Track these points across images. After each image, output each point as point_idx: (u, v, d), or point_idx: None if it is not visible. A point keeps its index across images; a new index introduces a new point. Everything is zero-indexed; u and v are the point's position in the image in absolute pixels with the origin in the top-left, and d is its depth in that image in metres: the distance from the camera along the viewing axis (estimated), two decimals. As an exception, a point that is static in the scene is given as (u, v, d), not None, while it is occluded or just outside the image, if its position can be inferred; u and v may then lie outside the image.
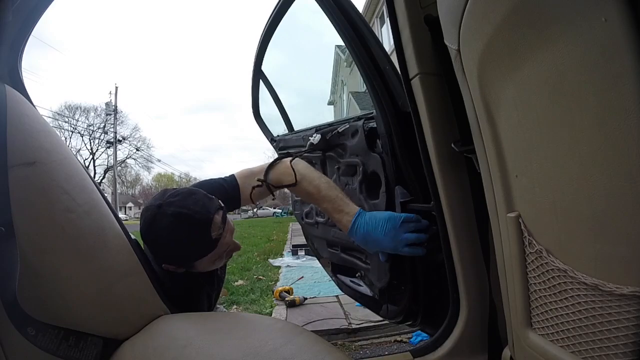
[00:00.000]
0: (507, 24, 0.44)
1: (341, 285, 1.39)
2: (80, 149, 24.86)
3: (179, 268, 0.78)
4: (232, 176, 0.93)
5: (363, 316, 2.57)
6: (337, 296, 3.16)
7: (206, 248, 0.75)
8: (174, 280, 0.80)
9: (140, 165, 29.31)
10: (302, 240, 3.98)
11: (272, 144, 1.60)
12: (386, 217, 0.85)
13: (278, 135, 1.59)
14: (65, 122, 23.62)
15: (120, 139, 23.84)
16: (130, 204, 36.93)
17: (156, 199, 0.76)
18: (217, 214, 0.75)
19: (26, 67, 0.86)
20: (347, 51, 1.01)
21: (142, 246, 0.77)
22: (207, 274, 0.87)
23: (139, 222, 0.78)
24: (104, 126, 24.72)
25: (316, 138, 1.19)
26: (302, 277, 4.13)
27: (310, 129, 1.31)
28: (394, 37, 0.79)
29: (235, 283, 4.00)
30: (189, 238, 0.73)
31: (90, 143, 25.72)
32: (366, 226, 0.85)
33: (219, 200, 0.79)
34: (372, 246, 0.87)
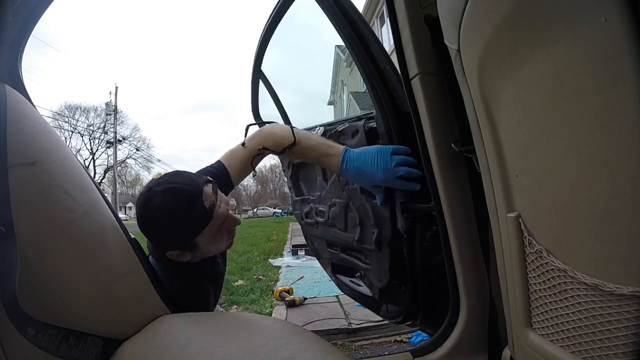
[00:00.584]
0: (507, 24, 0.44)
1: (341, 285, 1.39)
2: (80, 149, 24.90)
3: (183, 254, 0.77)
4: (218, 161, 0.94)
5: (363, 316, 2.57)
6: (337, 296, 3.16)
7: (202, 219, 0.74)
8: (182, 277, 0.80)
9: (140, 165, 29.35)
10: (302, 240, 3.99)
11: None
12: (375, 150, 0.86)
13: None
14: (65, 122, 23.65)
15: (120, 139, 23.86)
16: (130, 204, 36.91)
17: (145, 186, 0.78)
18: (206, 185, 0.76)
19: (25, 67, 0.86)
20: (347, 51, 1.01)
21: (141, 246, 0.77)
22: (211, 265, 0.87)
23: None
24: (104, 126, 24.76)
25: (319, 131, 1.19)
26: (302, 277, 4.13)
27: (310, 128, 1.31)
28: (394, 37, 0.79)
29: (235, 283, 4.00)
30: (183, 209, 0.72)
31: (90, 143, 25.76)
32: (356, 161, 0.87)
33: (208, 177, 0.80)
34: (365, 181, 0.89)
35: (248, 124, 1.00)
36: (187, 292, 0.80)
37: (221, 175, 0.89)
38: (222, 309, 1.21)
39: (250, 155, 0.93)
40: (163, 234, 0.76)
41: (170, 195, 0.72)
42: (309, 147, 0.91)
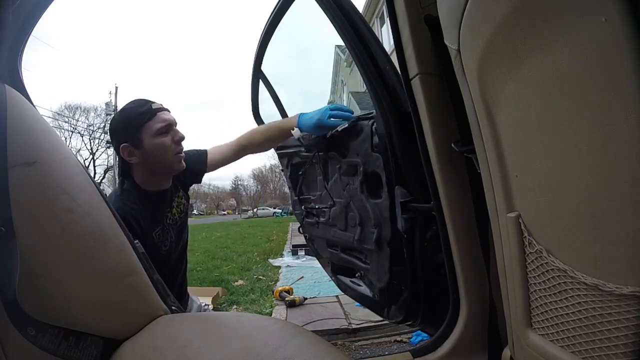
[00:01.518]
0: (507, 23, 0.44)
1: (341, 286, 1.39)
2: (80, 149, 24.87)
3: (132, 152, 0.95)
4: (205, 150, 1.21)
5: (363, 316, 2.57)
6: (337, 296, 3.16)
7: (147, 114, 0.95)
8: (127, 195, 0.97)
9: (140, 165, 29.25)
10: (302, 240, 3.99)
11: (272, 144, 1.60)
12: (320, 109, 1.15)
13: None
14: (65, 122, 23.65)
15: (121, 139, 23.75)
16: (130, 204, 36.83)
17: None
18: (164, 110, 0.99)
19: (25, 66, 0.86)
20: (347, 51, 1.02)
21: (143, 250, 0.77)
22: (160, 206, 1.03)
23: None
24: (104, 126, 24.69)
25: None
26: (302, 277, 4.13)
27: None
28: (394, 37, 0.79)
29: (235, 283, 4.01)
30: (134, 106, 0.97)
31: (90, 143, 25.72)
32: (306, 115, 1.15)
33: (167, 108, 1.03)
34: (308, 122, 1.13)
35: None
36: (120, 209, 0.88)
37: (201, 153, 1.18)
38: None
39: (231, 149, 1.21)
40: (118, 126, 0.96)
41: (130, 101, 0.99)
42: (273, 127, 1.22)
